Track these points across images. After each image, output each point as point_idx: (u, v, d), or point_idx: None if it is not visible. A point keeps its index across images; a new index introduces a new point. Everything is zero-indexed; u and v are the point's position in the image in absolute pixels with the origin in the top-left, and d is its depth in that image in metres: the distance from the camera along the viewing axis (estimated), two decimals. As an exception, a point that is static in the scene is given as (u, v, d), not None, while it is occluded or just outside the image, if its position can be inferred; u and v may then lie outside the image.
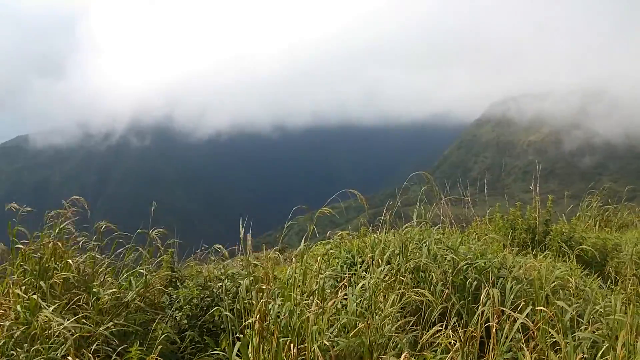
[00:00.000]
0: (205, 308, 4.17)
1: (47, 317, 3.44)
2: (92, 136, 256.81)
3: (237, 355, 3.34)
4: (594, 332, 3.48)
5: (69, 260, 4.07)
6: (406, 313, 3.96)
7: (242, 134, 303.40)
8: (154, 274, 4.53)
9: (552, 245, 6.31)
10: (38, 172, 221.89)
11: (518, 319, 3.30)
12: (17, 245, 4.14)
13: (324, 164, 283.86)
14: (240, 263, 4.79)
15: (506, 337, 3.34)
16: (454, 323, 3.69)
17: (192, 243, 5.31)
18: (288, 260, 5.72)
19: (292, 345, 3.19)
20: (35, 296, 3.64)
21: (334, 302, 3.53)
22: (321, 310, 3.43)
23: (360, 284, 3.91)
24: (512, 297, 3.85)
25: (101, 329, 3.61)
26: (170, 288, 4.47)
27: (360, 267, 4.51)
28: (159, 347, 3.45)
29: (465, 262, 4.28)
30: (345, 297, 3.75)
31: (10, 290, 3.90)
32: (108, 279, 4.42)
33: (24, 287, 3.90)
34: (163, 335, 3.73)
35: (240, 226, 4.04)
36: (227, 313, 3.65)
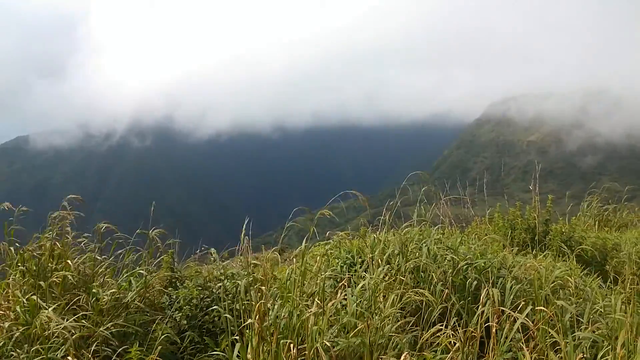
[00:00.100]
0: (205, 308, 4.17)
1: (47, 317, 3.43)
2: (92, 137, 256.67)
3: (237, 356, 3.34)
4: (593, 331, 3.49)
5: (68, 261, 4.07)
6: (406, 313, 3.96)
7: (243, 134, 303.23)
8: (153, 275, 4.52)
9: (551, 245, 6.32)
10: (38, 173, 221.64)
11: (518, 318, 3.30)
12: (11, 247, 4.14)
13: (324, 164, 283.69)
14: (240, 263, 4.78)
15: (506, 337, 3.34)
16: (454, 323, 3.68)
17: (192, 243, 5.30)
18: (288, 261, 5.72)
19: (292, 345, 3.20)
20: (34, 297, 3.64)
21: (333, 303, 3.53)
22: (321, 310, 3.43)
23: (360, 284, 3.91)
24: (512, 297, 3.85)
25: (101, 329, 3.61)
26: (170, 288, 4.47)
27: (360, 267, 4.50)
28: (159, 347, 3.45)
29: (465, 262, 4.28)
30: (345, 297, 3.75)
31: (10, 291, 3.90)
32: (108, 279, 4.42)
33: (24, 288, 3.90)
34: (163, 336, 3.73)
35: (243, 228, 4.04)
36: (227, 314, 3.64)
